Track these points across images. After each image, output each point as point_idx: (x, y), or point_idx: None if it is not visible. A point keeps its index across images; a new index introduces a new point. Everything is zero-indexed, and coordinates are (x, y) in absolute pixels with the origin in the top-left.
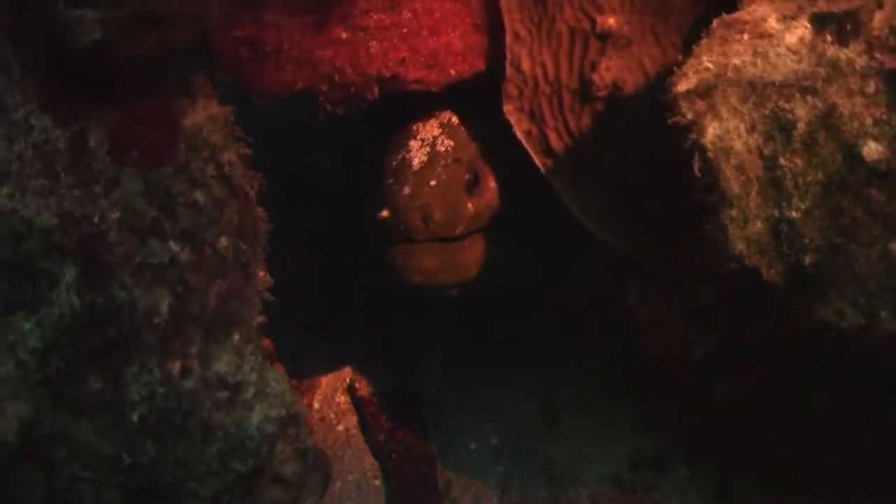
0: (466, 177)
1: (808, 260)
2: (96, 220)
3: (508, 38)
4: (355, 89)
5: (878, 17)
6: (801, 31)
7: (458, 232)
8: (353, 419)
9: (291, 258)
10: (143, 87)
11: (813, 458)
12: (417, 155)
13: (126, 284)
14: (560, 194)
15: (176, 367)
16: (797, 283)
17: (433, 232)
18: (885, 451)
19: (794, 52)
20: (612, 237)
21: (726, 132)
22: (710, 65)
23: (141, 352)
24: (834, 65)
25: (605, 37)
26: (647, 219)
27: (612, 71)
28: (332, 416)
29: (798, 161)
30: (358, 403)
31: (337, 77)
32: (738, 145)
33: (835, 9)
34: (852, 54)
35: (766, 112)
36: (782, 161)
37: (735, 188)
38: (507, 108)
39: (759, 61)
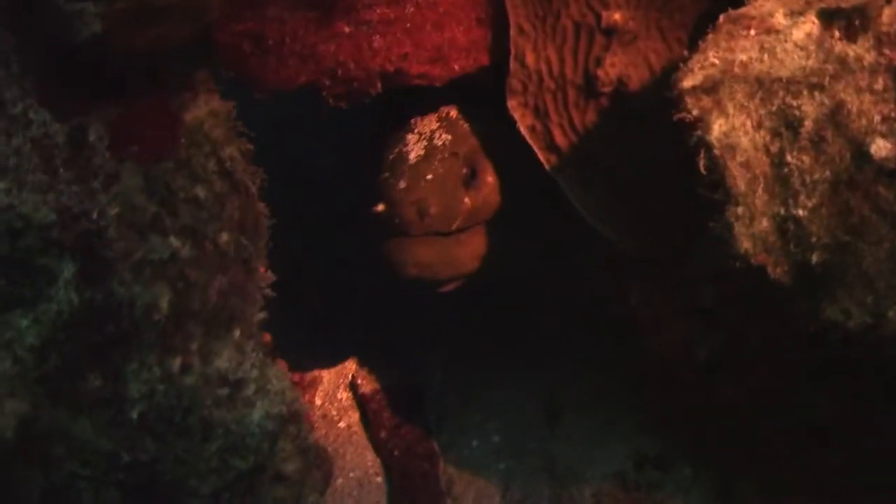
0: (464, 171)
1: (815, 258)
2: (95, 215)
3: (513, 33)
4: (358, 84)
5: (888, 13)
6: (808, 26)
7: (454, 227)
8: (355, 416)
9: (294, 254)
10: (144, 82)
11: (816, 460)
12: (414, 149)
13: (125, 280)
14: (564, 191)
15: (176, 363)
16: (804, 281)
17: (429, 226)
18: (889, 453)
19: (802, 48)
20: (616, 234)
21: (732, 129)
22: (716, 60)
23: (141, 348)
24: (842, 61)
25: (610, 32)
26: (651, 216)
27: (618, 66)
28: (333, 412)
29: (805, 158)
30: (360, 400)
31: (340, 71)
32: (744, 142)
33: (843, 4)
34: (861, 50)
35: (773, 109)
36: (789, 158)
37: (741, 186)
38: (512, 104)
39: (765, 57)
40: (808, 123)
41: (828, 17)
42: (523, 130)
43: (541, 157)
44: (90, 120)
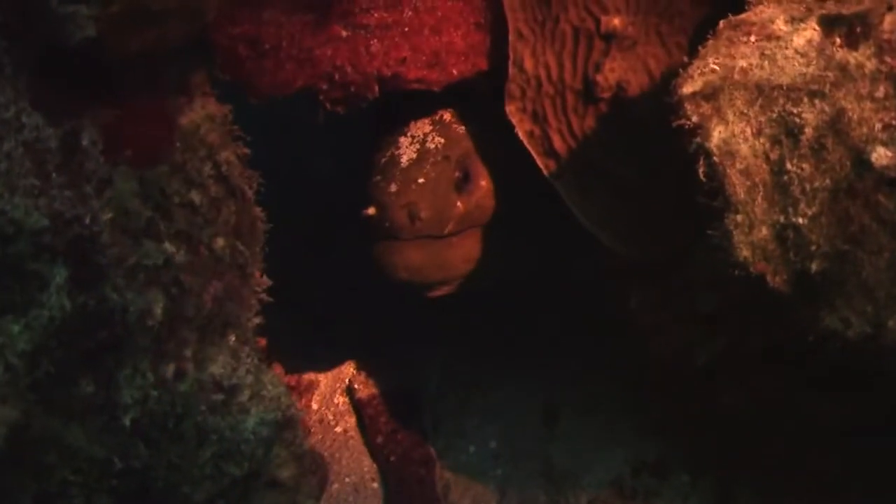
0: (456, 174)
1: (814, 267)
2: (88, 220)
3: (512, 38)
4: (355, 88)
5: (889, 20)
6: (809, 33)
7: (446, 231)
8: (351, 420)
9: (291, 258)
10: (139, 85)
11: (815, 467)
12: (406, 152)
13: (118, 286)
14: (562, 197)
15: (170, 369)
16: (803, 290)
17: (419, 230)
18: (888, 461)
19: (803, 55)
20: (615, 241)
21: (732, 136)
22: (716, 67)
23: (134, 354)
24: (843, 68)
25: (609, 37)
26: (650, 223)
27: (617, 72)
28: (330, 417)
29: (805, 166)
30: (357, 405)
31: (337, 76)
32: (744, 149)
33: (844, 11)
34: (862, 57)
35: (773, 116)
36: (789, 166)
37: (740, 193)
38: (510, 109)
39: (766, 64)
40: (808, 131)
41: (829, 24)
42: (522, 135)
43: (539, 162)
44: (84, 123)
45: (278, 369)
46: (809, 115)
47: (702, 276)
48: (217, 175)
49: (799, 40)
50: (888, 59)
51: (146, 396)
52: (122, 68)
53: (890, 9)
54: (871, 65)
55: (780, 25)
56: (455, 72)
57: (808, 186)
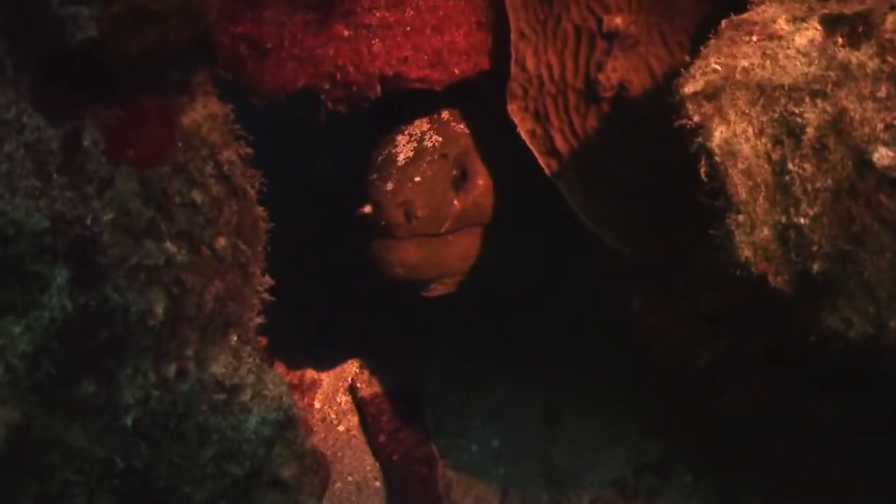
0: (454, 173)
1: (816, 267)
2: (89, 221)
3: (514, 37)
4: (357, 88)
5: (891, 20)
6: (811, 32)
7: (443, 229)
8: (354, 419)
9: (293, 257)
10: (140, 85)
11: (816, 468)
12: (403, 150)
13: (119, 286)
14: (564, 196)
15: (171, 369)
16: (805, 290)
17: (416, 229)
18: (890, 462)
19: (804, 55)
20: (617, 240)
21: (734, 136)
22: (717, 66)
23: (135, 354)
24: (845, 68)
25: (611, 36)
26: (652, 223)
27: (619, 71)
28: (332, 415)
29: (807, 166)
30: (359, 404)
31: (339, 75)
32: (745, 149)
33: (846, 10)
34: (864, 57)
35: (775, 115)
36: (791, 166)
37: (742, 193)
38: (512, 108)
39: (768, 63)
40: (810, 131)
41: (831, 24)
42: (523, 135)
43: (541, 161)
44: (85, 124)
45: (280, 368)
46: (811, 115)
47: (703, 276)
48: (219, 174)
49: (801, 40)
50: (890, 59)
51: (147, 396)
52: (124, 68)
53: (892, 8)
54: (873, 64)
55: (782, 25)
56: (457, 71)
57: (809, 186)
